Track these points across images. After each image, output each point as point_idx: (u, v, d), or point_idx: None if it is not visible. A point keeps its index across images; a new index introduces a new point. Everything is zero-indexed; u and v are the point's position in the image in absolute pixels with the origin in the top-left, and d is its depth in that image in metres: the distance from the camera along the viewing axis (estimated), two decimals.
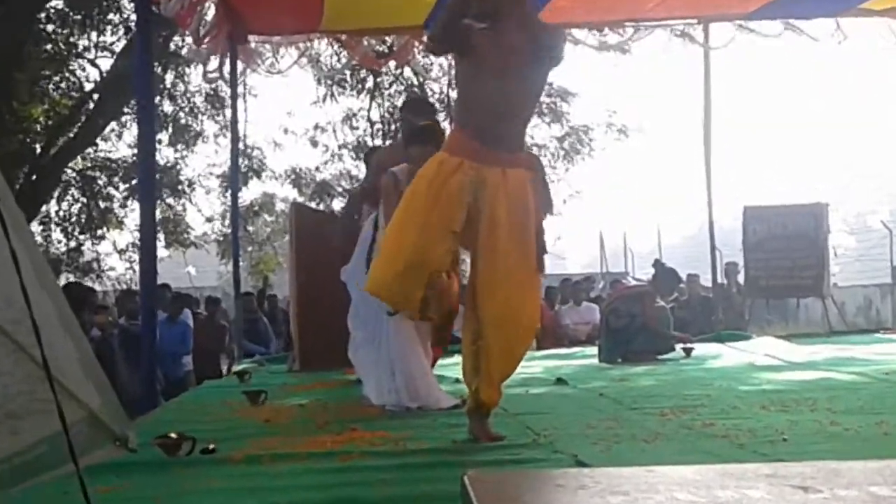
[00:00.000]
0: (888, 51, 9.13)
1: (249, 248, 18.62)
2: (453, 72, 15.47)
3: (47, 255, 15.50)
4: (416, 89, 16.09)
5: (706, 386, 5.89)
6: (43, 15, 13.48)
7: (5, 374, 1.85)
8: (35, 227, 14.92)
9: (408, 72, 15.64)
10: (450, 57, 10.96)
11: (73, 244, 16.03)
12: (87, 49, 14.71)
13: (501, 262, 3.84)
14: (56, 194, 15.28)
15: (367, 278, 4.31)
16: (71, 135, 14.44)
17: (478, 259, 3.90)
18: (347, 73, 15.46)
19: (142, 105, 6.11)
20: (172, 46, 14.25)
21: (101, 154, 15.83)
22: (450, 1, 3.93)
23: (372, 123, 16.77)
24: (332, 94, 16.30)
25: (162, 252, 17.66)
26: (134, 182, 14.60)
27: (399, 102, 15.88)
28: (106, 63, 14.68)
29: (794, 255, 11.90)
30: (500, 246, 3.84)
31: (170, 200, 16.52)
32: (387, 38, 11.64)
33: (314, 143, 17.80)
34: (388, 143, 14.80)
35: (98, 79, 14.69)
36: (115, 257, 16.98)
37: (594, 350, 8.41)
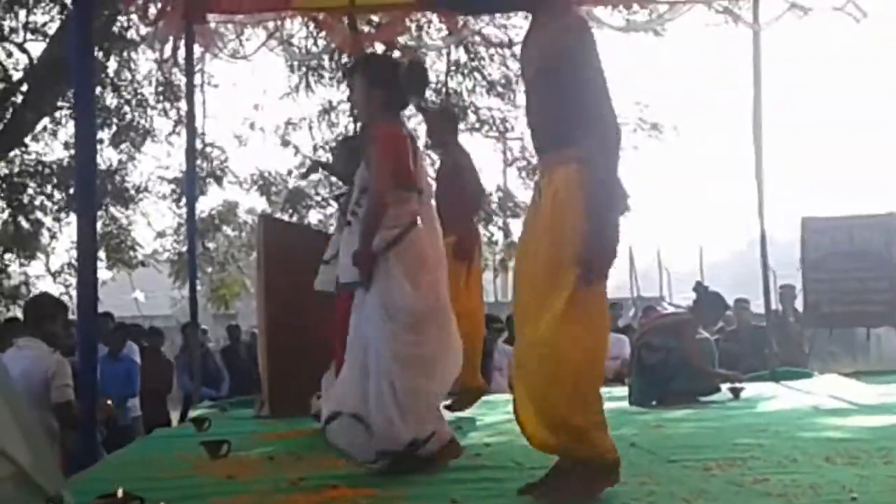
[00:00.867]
0: None
1: (209, 269, 18.64)
2: (452, 55, 15.66)
3: None
4: None
5: (758, 434, 5.88)
6: None
7: None
8: None
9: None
10: (445, 40, 11.04)
11: None
12: (13, 31, 14.76)
13: (526, 283, 4.07)
14: None
15: None
16: None
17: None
18: (325, 58, 15.47)
19: (80, 97, 6.09)
20: (116, 28, 14.27)
21: (32, 157, 15.78)
22: None
23: (355, 119, 16.81)
24: (308, 84, 16.32)
25: (104, 274, 17.69)
26: (70, 190, 14.57)
27: None
28: (37, 48, 14.73)
29: (863, 276, 11.91)
30: (523, 266, 4.10)
31: (114, 211, 16.49)
32: (372, 16, 11.69)
33: (285, 143, 17.79)
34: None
35: (27, 66, 14.68)
36: (47, 280, 16.97)
37: (624, 391, 8.39)
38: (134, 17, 12.72)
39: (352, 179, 6.25)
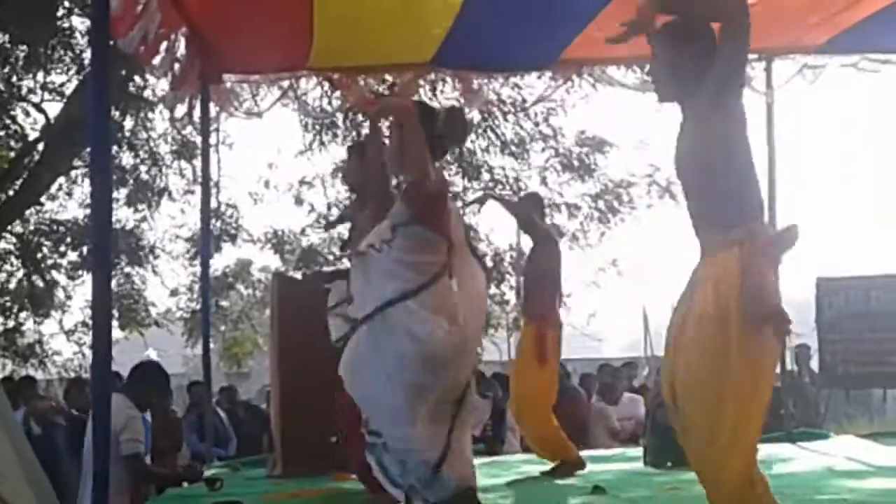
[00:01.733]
0: None
1: (222, 328, 18.62)
2: (467, 116, 15.70)
3: None
4: None
5: (776, 496, 5.82)
6: None
7: None
8: None
9: None
10: (461, 98, 11.11)
11: (10, 324, 16.01)
12: (31, 91, 14.85)
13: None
14: None
15: None
16: (10, 192, 14.48)
17: None
18: (339, 116, 15.56)
19: (96, 156, 6.10)
20: (133, 88, 14.36)
21: (47, 215, 15.85)
22: None
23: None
24: (322, 142, 16.40)
25: (117, 333, 17.67)
26: (85, 249, 14.61)
27: None
28: (54, 108, 14.82)
29: (879, 336, 11.82)
30: None
31: (128, 270, 16.51)
32: (387, 76, 11.76)
33: (299, 201, 17.84)
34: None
35: (44, 126, 14.78)
36: (61, 339, 16.95)
37: (639, 451, 8.34)
38: (150, 76, 12.82)
39: (363, 186, 6.28)
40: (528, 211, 8.17)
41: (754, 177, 4.04)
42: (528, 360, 7.80)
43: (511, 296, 18.44)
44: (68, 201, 16.00)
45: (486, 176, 17.16)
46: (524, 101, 14.86)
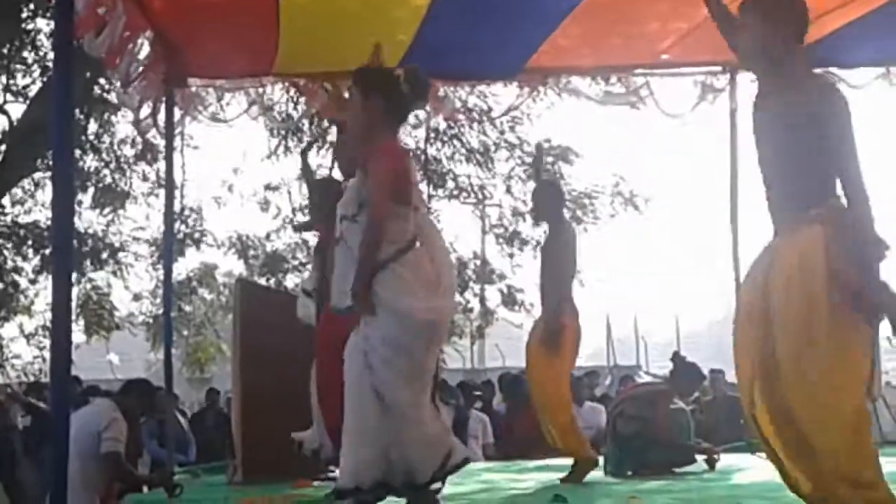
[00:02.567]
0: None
1: (185, 333, 18.50)
2: (432, 122, 15.71)
3: None
4: None
5: None
6: None
7: None
8: None
9: None
10: (429, 106, 11.12)
11: None
12: None
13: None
14: None
15: None
16: None
17: None
18: (305, 122, 15.52)
19: (59, 159, 6.05)
20: (97, 91, 14.28)
21: (9, 218, 15.70)
22: None
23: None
24: (287, 147, 16.35)
25: (79, 337, 17.53)
26: (47, 251, 14.48)
27: None
28: (17, 110, 14.71)
29: None
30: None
31: (93, 275, 16.41)
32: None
33: (264, 206, 17.79)
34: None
35: (6, 128, 14.66)
36: (21, 343, 16.81)
37: (599, 461, 8.35)
38: (115, 79, 12.74)
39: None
40: (545, 195, 8.04)
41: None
42: (542, 351, 7.69)
43: (475, 303, 18.48)
44: (31, 204, 15.85)
45: (450, 184, 17.17)
46: (490, 109, 14.90)
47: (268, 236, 17.96)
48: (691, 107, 9.75)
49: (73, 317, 6.65)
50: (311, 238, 16.81)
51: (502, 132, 16.72)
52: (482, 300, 18.57)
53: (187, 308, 18.14)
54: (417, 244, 4.92)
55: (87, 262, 15.94)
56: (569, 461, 7.97)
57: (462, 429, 11.09)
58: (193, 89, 9.41)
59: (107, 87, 14.32)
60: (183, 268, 17.18)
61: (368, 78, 5.19)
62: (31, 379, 15.04)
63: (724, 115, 9.95)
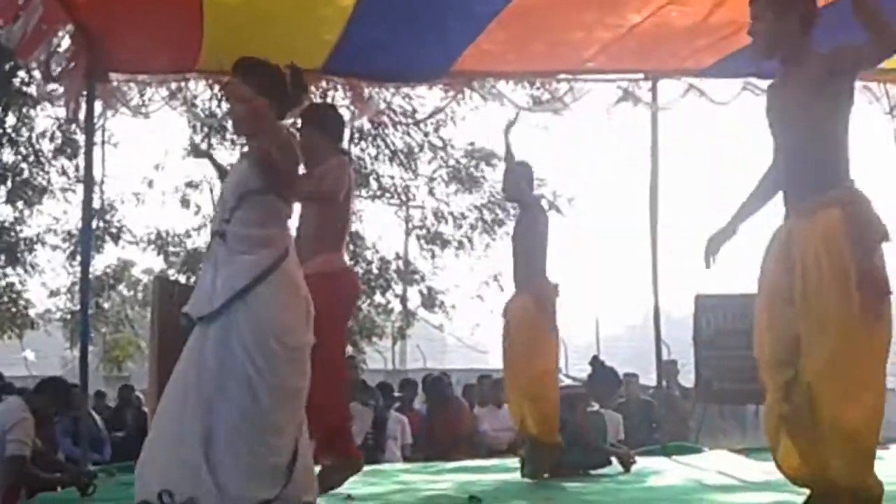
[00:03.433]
0: (860, 116, 9.42)
1: (103, 330, 18.28)
2: (356, 122, 15.68)
3: None
4: None
5: None
6: None
7: None
8: None
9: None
10: (352, 106, 11.10)
11: None
12: None
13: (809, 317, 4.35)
14: None
15: None
16: None
17: None
18: (228, 120, 15.40)
19: None
20: (17, 83, 14.07)
21: None
22: None
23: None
24: (210, 144, 16.22)
25: None
26: None
27: None
28: None
29: (753, 354, 12.01)
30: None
31: (6, 270, 16.15)
32: None
33: (185, 203, 17.61)
34: None
35: None
36: None
37: (516, 462, 8.38)
38: (35, 73, 12.54)
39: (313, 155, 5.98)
40: (517, 176, 7.97)
41: (848, 145, 4.36)
42: (532, 328, 7.58)
43: (396, 304, 18.48)
44: None
45: (374, 184, 17.16)
46: (414, 111, 14.91)
47: (188, 233, 17.78)
48: (613, 104, 9.85)
49: None
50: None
51: (426, 134, 16.76)
52: (404, 301, 18.58)
53: (105, 305, 17.91)
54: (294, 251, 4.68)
55: (2, 257, 15.67)
56: (486, 463, 7.98)
57: (381, 430, 11.09)
58: (115, 84, 9.29)
59: (27, 79, 14.11)
60: (101, 264, 16.97)
61: (254, 72, 4.90)
62: None
63: (645, 121, 10.08)
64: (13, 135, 15.12)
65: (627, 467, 8.08)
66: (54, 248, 16.54)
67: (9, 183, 15.28)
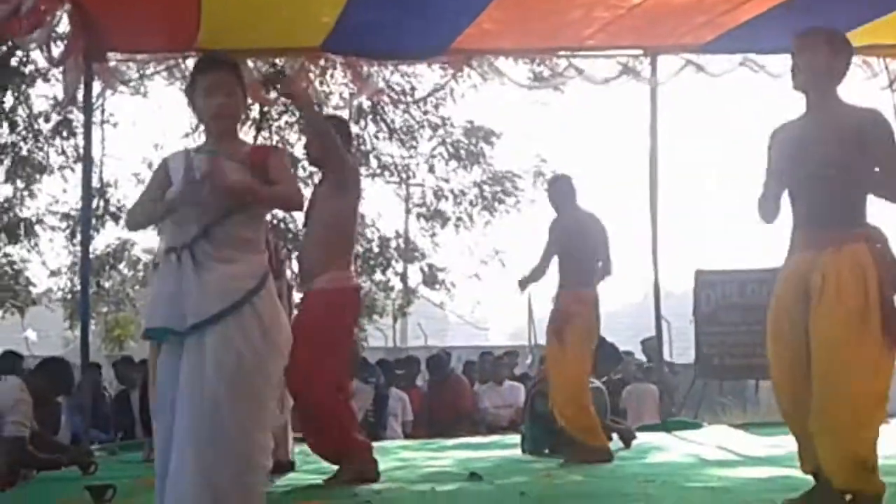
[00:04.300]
0: (859, 90, 9.42)
1: (104, 309, 18.26)
2: (356, 102, 15.67)
3: None
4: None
5: (646, 484, 5.93)
6: None
7: None
8: None
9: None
10: (351, 85, 11.06)
11: None
12: None
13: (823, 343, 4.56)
14: None
15: None
16: None
17: None
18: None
19: None
20: (14, 63, 14.04)
21: None
22: None
23: None
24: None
25: None
26: None
27: (291, 136, 15.86)
28: None
29: (754, 329, 11.98)
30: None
31: (8, 249, 16.16)
32: (277, 60, 11.66)
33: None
34: None
35: None
36: None
37: (516, 438, 8.42)
38: (32, 53, 12.52)
39: (323, 161, 6.14)
40: (561, 190, 7.69)
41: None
42: (576, 331, 7.49)
43: (396, 282, 18.49)
44: None
45: (374, 162, 17.14)
46: (413, 89, 14.88)
47: None
48: (614, 76, 9.85)
49: None
50: None
51: (426, 112, 16.71)
52: (404, 279, 18.58)
53: (106, 284, 17.88)
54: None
55: (3, 236, 15.68)
56: (486, 439, 8.01)
57: (382, 407, 11.12)
58: (113, 64, 9.28)
59: (24, 59, 14.08)
60: (101, 243, 16.93)
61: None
62: None
63: (644, 97, 10.09)
64: (11, 114, 15.08)
65: (628, 443, 8.12)
66: (54, 228, 16.52)
67: (7, 162, 15.26)
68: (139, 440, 9.05)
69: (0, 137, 14.96)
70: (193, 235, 4.03)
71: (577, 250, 7.56)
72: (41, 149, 15.60)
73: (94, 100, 9.67)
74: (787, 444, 5.17)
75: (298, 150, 14.05)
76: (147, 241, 18.40)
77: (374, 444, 7.78)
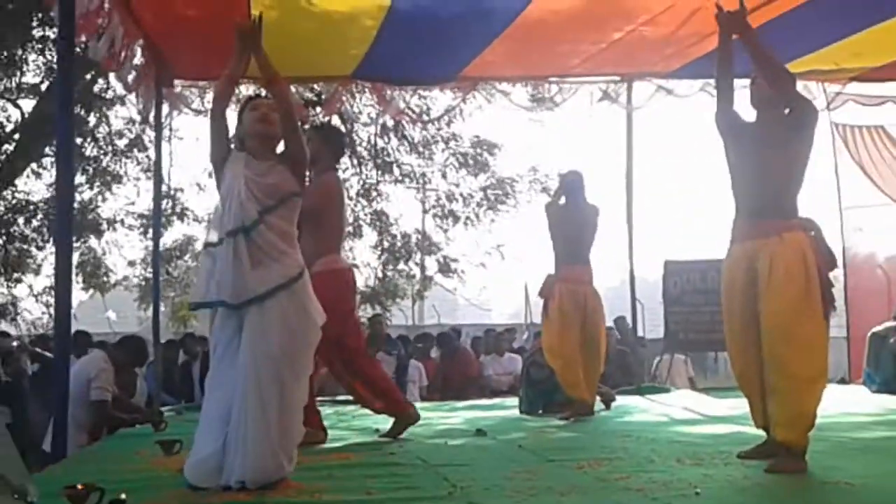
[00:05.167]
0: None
1: (171, 293, 18.30)
2: (381, 119, 15.66)
3: None
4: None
5: (624, 439, 5.94)
6: None
7: None
8: None
9: (335, 119, 15.63)
10: (377, 106, 11.05)
11: None
12: (8, 90, 14.39)
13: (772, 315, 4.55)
14: None
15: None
16: None
17: None
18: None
19: (62, 146, 5.99)
20: (97, 89, 14.08)
21: (20, 195, 15.41)
22: None
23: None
24: None
25: (81, 295, 17.33)
26: (52, 223, 14.26)
27: None
28: (28, 105, 14.41)
29: (713, 309, 11.93)
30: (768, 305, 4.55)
31: (92, 243, 16.21)
32: (315, 86, 11.66)
33: None
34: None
35: (19, 120, 14.37)
36: (30, 301, 16.56)
37: (515, 401, 8.42)
38: (112, 79, 12.55)
39: (315, 162, 5.92)
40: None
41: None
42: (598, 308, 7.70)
43: (416, 271, 18.51)
44: (38, 183, 15.57)
45: (396, 171, 17.15)
46: (429, 109, 14.88)
47: None
48: (595, 101, 9.87)
49: (74, 278, 6.52)
50: None
51: (439, 129, 16.70)
52: (422, 268, 18.58)
53: (173, 272, 17.92)
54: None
55: (88, 234, 15.75)
56: (490, 402, 8.00)
57: (402, 374, 11.12)
58: (179, 89, 9.31)
59: (105, 85, 14.13)
60: (169, 238, 16.98)
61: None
62: (39, 332, 14.80)
63: (622, 117, 10.07)
64: (93, 132, 15.14)
65: (608, 405, 8.11)
66: (130, 226, 16.57)
67: (90, 171, 15.34)
68: (198, 403, 9.05)
69: (84, 151, 14.98)
70: (249, 222, 4.08)
71: (577, 236, 7.64)
72: (119, 161, 15.67)
73: (163, 119, 9.66)
74: (741, 405, 5.16)
75: None
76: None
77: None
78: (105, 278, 16.99)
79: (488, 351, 12.50)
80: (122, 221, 16.44)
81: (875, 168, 10.77)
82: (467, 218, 17.62)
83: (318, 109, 12.06)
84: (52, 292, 15.39)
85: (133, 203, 16.41)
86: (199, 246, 17.91)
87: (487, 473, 4.50)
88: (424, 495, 3.90)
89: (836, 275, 4.95)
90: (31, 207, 15.34)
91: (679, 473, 4.40)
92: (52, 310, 14.76)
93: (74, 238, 10.46)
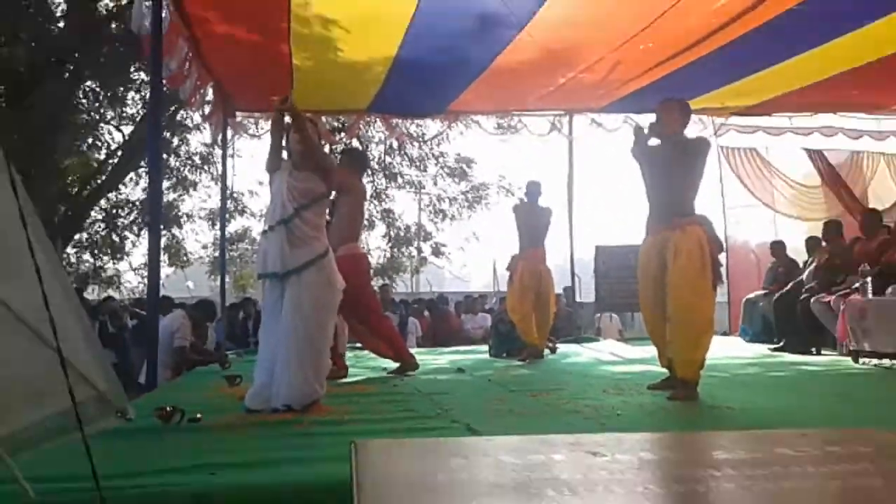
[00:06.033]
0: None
1: (233, 268, 18.24)
2: (388, 141, 15.61)
3: (79, 273, 15.02)
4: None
5: (566, 375, 5.95)
6: (80, 92, 13.12)
7: (28, 359, 1.77)
8: (69, 250, 14.45)
9: (354, 142, 15.58)
10: (385, 131, 10.99)
11: (98, 263, 15.59)
12: (113, 118, 14.32)
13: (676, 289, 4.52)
14: (86, 225, 14.84)
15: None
16: (99, 182, 14.10)
17: None
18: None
19: (152, 161, 5.98)
20: (179, 118, 14.04)
21: (123, 196, 15.40)
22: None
23: None
24: None
25: (167, 270, 17.27)
26: (145, 217, 14.22)
27: None
28: (128, 129, 14.33)
29: (633, 281, 11.93)
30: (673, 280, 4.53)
31: (175, 232, 16.21)
32: (340, 116, 11.61)
33: None
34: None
35: (122, 141, 14.31)
36: (130, 274, 16.57)
37: (486, 347, 8.43)
38: (191, 112, 12.48)
39: (348, 176, 5.79)
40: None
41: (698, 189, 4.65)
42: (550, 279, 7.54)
43: (415, 253, 18.52)
44: (136, 188, 15.53)
45: (399, 179, 17.15)
46: (424, 134, 14.84)
47: None
48: (546, 132, 9.84)
49: (161, 257, 6.50)
50: None
51: (431, 148, 16.68)
52: (419, 251, 18.58)
53: (234, 253, 17.87)
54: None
55: (172, 225, 15.76)
56: (467, 348, 7.95)
57: (404, 328, 11.14)
58: (239, 119, 9.25)
59: (185, 116, 14.06)
60: (231, 229, 16.94)
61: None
62: (136, 296, 14.78)
63: (565, 142, 10.06)
64: (176, 150, 15.16)
65: (554, 350, 8.12)
66: (202, 219, 16.66)
67: (173, 179, 15.34)
68: (253, 349, 9.01)
69: (169, 164, 14.93)
70: (288, 215, 4.07)
71: (535, 228, 7.58)
72: (195, 172, 15.68)
73: (228, 141, 9.62)
74: (651, 350, 5.17)
75: None
76: (259, 227, 18.37)
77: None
78: (185, 258, 16.98)
79: (467, 311, 12.53)
80: (197, 216, 16.47)
81: (749, 178, 10.83)
82: (452, 214, 17.66)
83: (342, 135, 11.98)
84: (146, 268, 15.48)
85: (205, 202, 16.43)
86: (254, 234, 17.91)
87: (466, 400, 4.51)
88: (420, 415, 3.90)
89: (722, 257, 4.92)
90: (130, 205, 15.33)
91: (606, 400, 4.41)
92: (145, 280, 14.76)
93: (162, 228, 10.41)
